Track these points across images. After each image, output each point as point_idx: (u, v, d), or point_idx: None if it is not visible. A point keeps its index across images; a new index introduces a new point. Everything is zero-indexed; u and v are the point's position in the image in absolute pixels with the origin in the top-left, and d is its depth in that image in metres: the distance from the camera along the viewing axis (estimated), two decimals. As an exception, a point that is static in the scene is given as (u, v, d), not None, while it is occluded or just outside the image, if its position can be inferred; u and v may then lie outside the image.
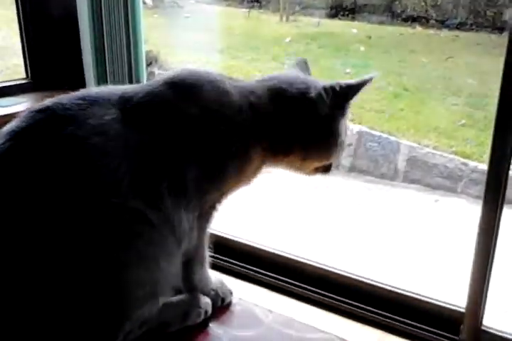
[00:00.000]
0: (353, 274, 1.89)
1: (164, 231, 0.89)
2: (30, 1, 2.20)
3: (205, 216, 1.01)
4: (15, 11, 2.25)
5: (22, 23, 2.24)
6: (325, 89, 1.01)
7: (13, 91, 2.21)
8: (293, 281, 1.96)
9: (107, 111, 0.89)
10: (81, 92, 0.93)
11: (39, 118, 0.87)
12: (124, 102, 0.92)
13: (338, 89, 1.01)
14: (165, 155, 0.90)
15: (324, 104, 1.00)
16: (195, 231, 0.98)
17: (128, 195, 0.84)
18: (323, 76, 3.85)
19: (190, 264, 1.02)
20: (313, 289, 1.92)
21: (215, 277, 1.14)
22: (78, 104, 0.88)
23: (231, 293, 1.17)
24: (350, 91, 1.01)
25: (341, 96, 1.02)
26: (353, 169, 3.38)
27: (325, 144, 1.03)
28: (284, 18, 5.46)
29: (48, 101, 0.90)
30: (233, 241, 2.03)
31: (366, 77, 1.01)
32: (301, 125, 1.00)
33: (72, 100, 0.90)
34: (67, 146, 0.84)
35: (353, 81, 1.01)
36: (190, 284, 1.06)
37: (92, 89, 0.98)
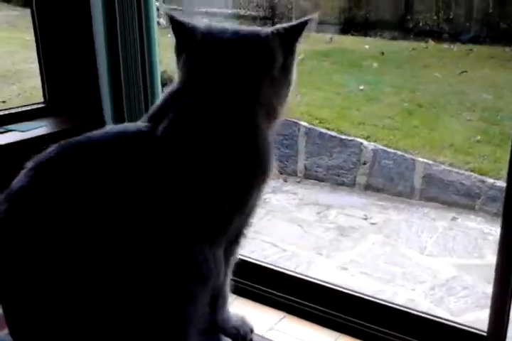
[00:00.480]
0: (373, 297, 1.88)
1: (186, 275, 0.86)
2: (48, 25, 2.23)
3: (230, 248, 0.97)
4: (31, 34, 2.29)
5: (40, 47, 2.27)
6: (273, 34, 0.98)
7: (31, 116, 2.24)
8: (311, 304, 1.95)
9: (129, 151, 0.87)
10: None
11: (47, 176, 0.86)
12: (143, 141, 0.89)
13: (283, 32, 0.98)
14: (195, 193, 0.87)
15: (279, 50, 0.98)
16: (222, 268, 0.94)
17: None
18: (337, 93, 3.81)
19: (213, 303, 0.97)
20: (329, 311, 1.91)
21: (235, 314, 1.11)
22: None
23: (252, 331, 1.13)
24: (295, 32, 0.99)
25: (289, 38, 0.99)
26: (368, 187, 3.36)
27: (288, 88, 1.04)
28: (296, 35, 5.47)
29: (54, 150, 0.88)
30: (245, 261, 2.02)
31: (305, 18, 0.99)
32: (267, 80, 0.98)
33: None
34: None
35: (294, 22, 0.99)
36: (213, 324, 1.01)
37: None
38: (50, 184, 0.83)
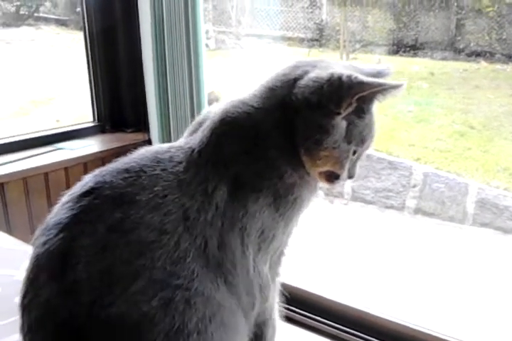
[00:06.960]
0: (393, 316, 1.80)
1: (234, 307, 0.77)
2: (99, 47, 2.28)
3: (275, 269, 0.87)
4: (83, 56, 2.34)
5: (91, 68, 2.32)
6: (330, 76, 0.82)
7: (80, 135, 2.28)
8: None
9: (157, 180, 0.78)
10: (124, 162, 0.81)
11: (85, 206, 0.75)
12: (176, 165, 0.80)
13: (340, 80, 0.81)
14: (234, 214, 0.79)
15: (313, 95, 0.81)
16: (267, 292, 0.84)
17: (192, 273, 0.73)
18: (385, 114, 3.76)
19: (257, 334, 0.85)
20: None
21: None
22: (124, 178, 0.77)
23: None
24: (356, 87, 0.80)
25: (342, 89, 0.80)
26: (418, 211, 3.26)
27: (317, 146, 0.83)
28: (345, 56, 5.45)
29: (90, 180, 0.78)
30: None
31: (393, 82, 0.82)
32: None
33: (116, 175, 0.78)
34: (120, 234, 0.73)
35: (370, 79, 0.82)
36: None
37: (136, 155, 0.83)
38: (93, 218, 0.74)
